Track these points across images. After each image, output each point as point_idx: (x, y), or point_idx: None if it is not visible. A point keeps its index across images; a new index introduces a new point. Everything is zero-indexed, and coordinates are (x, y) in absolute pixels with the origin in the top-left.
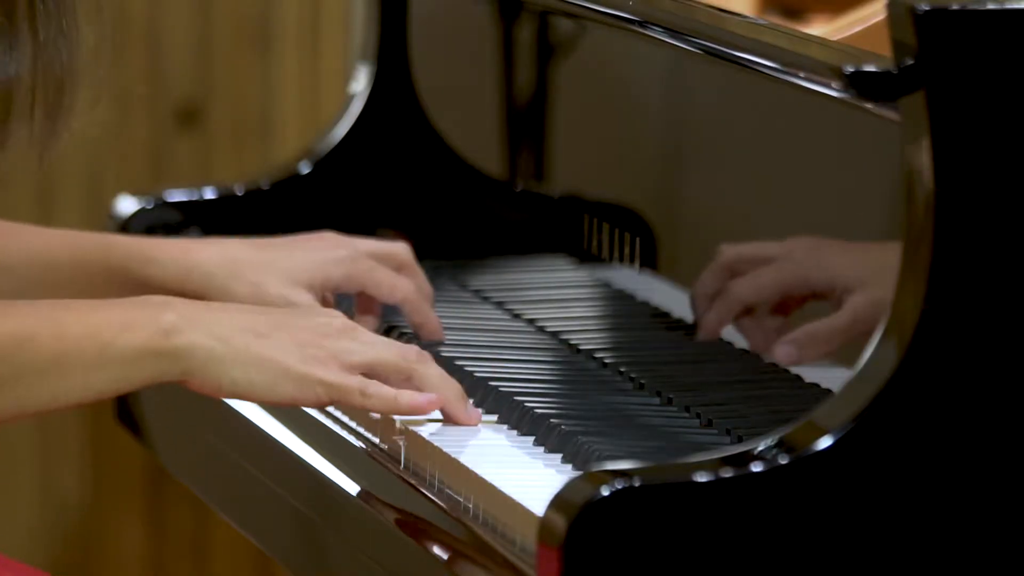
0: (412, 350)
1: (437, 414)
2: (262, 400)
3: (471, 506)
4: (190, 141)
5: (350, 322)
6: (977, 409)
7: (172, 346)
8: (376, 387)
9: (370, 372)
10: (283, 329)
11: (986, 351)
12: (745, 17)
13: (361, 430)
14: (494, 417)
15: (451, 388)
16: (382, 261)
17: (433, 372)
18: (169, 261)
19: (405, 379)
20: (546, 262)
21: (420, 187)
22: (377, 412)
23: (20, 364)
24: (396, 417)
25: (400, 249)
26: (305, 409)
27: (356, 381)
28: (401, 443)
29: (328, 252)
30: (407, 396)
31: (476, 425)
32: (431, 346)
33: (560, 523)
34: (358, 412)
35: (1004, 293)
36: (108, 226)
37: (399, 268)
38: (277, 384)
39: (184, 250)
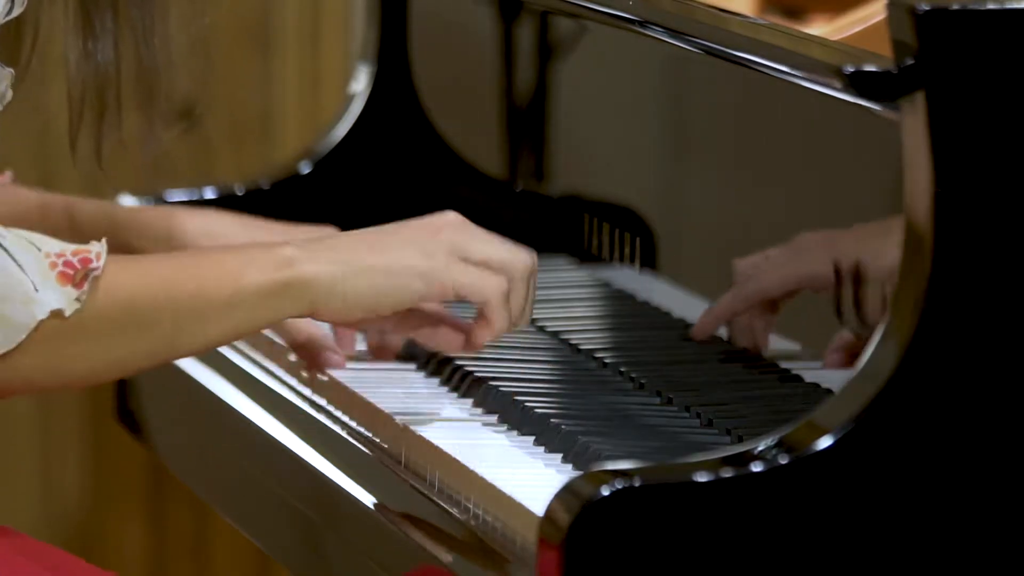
0: (523, 263)
1: (436, 412)
2: (393, 307)
3: (471, 506)
4: (190, 141)
5: (460, 217)
6: (977, 409)
7: (295, 276)
8: (479, 279)
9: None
10: (394, 234)
11: (986, 351)
12: (745, 17)
13: (361, 430)
14: (494, 417)
15: (508, 324)
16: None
17: (518, 300)
18: (146, 226)
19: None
20: (546, 262)
21: (420, 187)
22: (470, 298)
23: (163, 307)
24: (396, 417)
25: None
26: (305, 408)
27: (488, 279)
28: (401, 443)
29: None
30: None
31: (483, 340)
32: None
33: (560, 523)
34: (360, 411)
35: (1004, 293)
36: None
37: None
38: (403, 285)
39: (166, 215)
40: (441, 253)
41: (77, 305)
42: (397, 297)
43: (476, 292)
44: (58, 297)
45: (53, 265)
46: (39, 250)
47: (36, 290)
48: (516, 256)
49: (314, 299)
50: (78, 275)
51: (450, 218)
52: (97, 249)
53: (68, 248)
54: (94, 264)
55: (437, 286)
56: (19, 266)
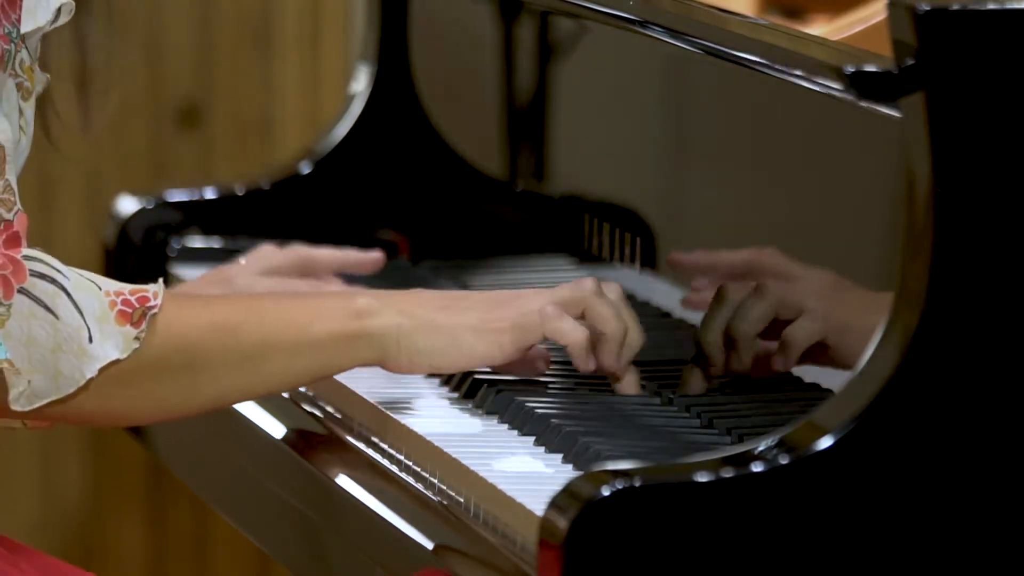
0: (589, 282)
1: (437, 413)
2: (453, 365)
3: (471, 506)
4: (190, 141)
5: (524, 290)
6: (977, 409)
7: (366, 328)
8: (558, 320)
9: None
10: (463, 299)
11: (986, 351)
12: (745, 17)
13: (362, 429)
14: (494, 417)
15: (616, 328)
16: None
17: (604, 310)
18: None
19: (580, 312)
20: (546, 262)
21: (420, 187)
22: (558, 340)
23: (225, 351)
24: (397, 417)
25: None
26: (304, 408)
27: (537, 315)
28: (402, 443)
29: None
30: (582, 346)
31: (622, 378)
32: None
33: (561, 523)
34: (360, 411)
35: (1004, 293)
36: (108, 226)
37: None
38: (463, 344)
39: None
40: (500, 317)
41: (136, 344)
42: (455, 356)
43: (558, 337)
44: (116, 342)
45: (112, 304)
46: (100, 289)
47: (91, 341)
48: (578, 285)
49: (382, 351)
50: (136, 313)
51: (513, 292)
52: (155, 288)
53: (127, 288)
54: (152, 303)
55: (496, 346)
56: (79, 310)
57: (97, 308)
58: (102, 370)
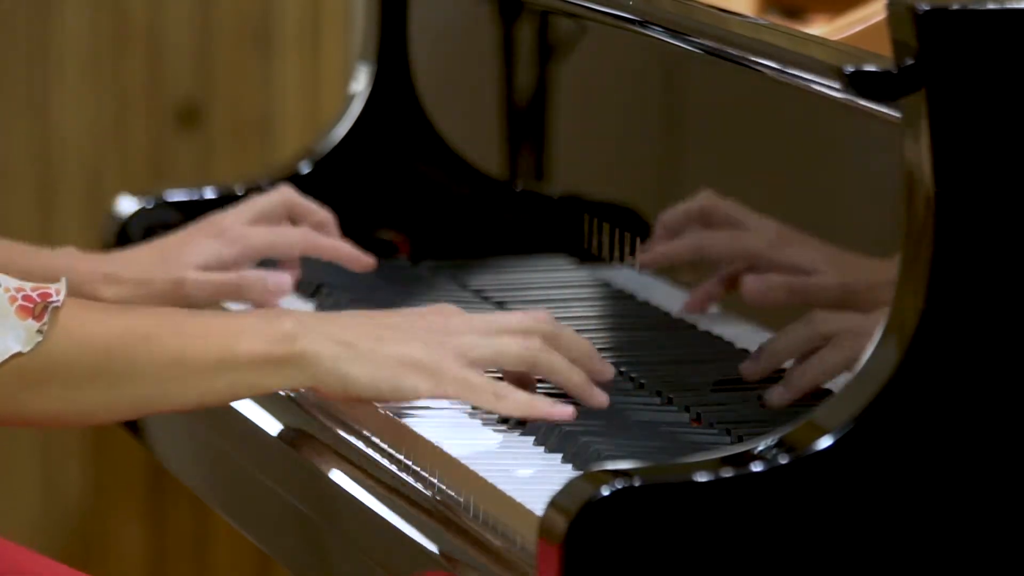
0: (535, 337)
1: (437, 413)
2: (393, 399)
3: (471, 506)
4: (190, 141)
5: (464, 314)
6: (977, 409)
7: (293, 352)
8: (509, 390)
9: (494, 367)
10: (401, 329)
11: (986, 351)
12: (745, 17)
13: (361, 430)
14: (494, 417)
15: (576, 374)
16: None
17: (556, 361)
18: (42, 269)
19: (529, 369)
20: (546, 262)
21: (420, 187)
22: (509, 415)
23: (139, 362)
24: (396, 417)
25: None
26: (305, 408)
27: (488, 383)
28: (401, 443)
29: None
30: (542, 405)
31: (605, 407)
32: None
33: (560, 523)
34: (360, 411)
35: (1004, 293)
36: (108, 226)
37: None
38: (406, 381)
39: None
40: (445, 356)
41: (39, 338)
42: (396, 392)
43: (469, 401)
44: (16, 335)
45: (12, 299)
46: None
47: None
48: (523, 344)
49: (314, 376)
50: (37, 308)
51: (454, 321)
52: (57, 286)
53: (28, 284)
54: (54, 298)
55: (441, 390)
56: None
57: None
58: (4, 365)
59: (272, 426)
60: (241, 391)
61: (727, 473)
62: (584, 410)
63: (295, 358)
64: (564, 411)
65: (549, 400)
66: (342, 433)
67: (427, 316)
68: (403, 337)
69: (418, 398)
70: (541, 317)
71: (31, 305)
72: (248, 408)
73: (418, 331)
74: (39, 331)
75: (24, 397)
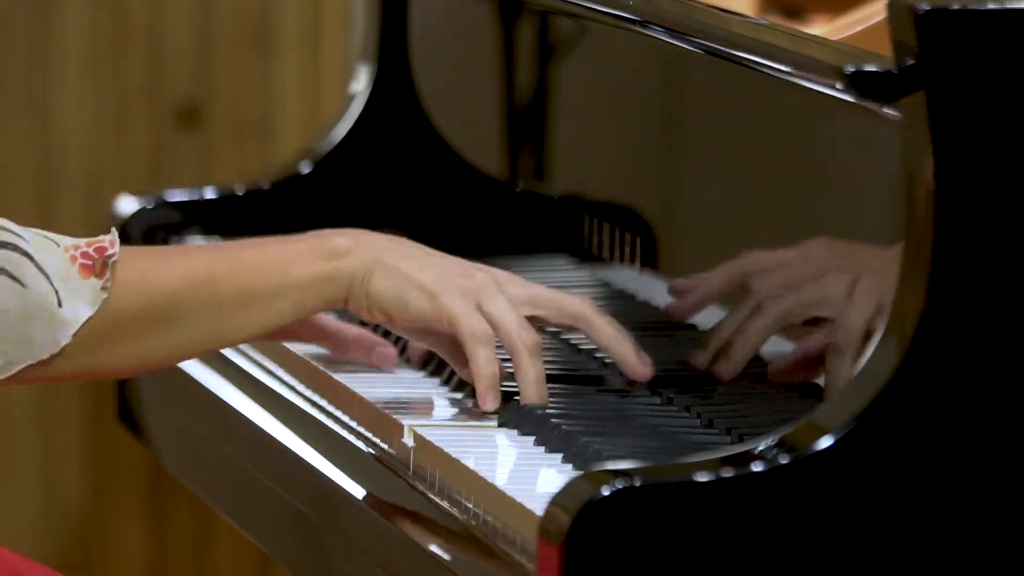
0: (532, 336)
1: (437, 413)
2: (400, 316)
3: (471, 506)
4: (190, 141)
5: (503, 274)
6: (977, 409)
7: (339, 268)
8: (491, 349)
9: (492, 325)
10: (431, 258)
11: (986, 351)
12: (745, 17)
13: (361, 429)
14: (494, 417)
15: (540, 395)
16: None
17: (530, 370)
18: None
19: (509, 354)
20: (546, 262)
21: (420, 187)
22: (473, 367)
23: (203, 301)
24: (396, 417)
25: None
26: (305, 408)
27: (479, 323)
28: (402, 443)
29: None
30: (495, 384)
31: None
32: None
33: (561, 523)
34: (360, 411)
35: (1004, 293)
36: (108, 226)
37: None
38: (409, 296)
39: None
40: (458, 292)
41: (104, 295)
42: (401, 309)
43: (460, 331)
44: (84, 297)
45: (73, 259)
46: (58, 246)
47: (60, 305)
48: (524, 330)
49: (348, 289)
50: (97, 264)
51: (489, 272)
52: (110, 237)
53: (82, 241)
54: (110, 251)
55: (439, 319)
56: (44, 273)
57: (60, 267)
58: (76, 334)
59: (272, 426)
60: (296, 312)
61: (727, 473)
62: (584, 410)
63: (338, 274)
64: (488, 401)
65: (497, 393)
66: (342, 433)
67: (473, 266)
68: (427, 264)
69: (419, 317)
70: (582, 299)
71: (90, 263)
72: (248, 408)
73: (446, 264)
74: (103, 288)
75: (98, 353)
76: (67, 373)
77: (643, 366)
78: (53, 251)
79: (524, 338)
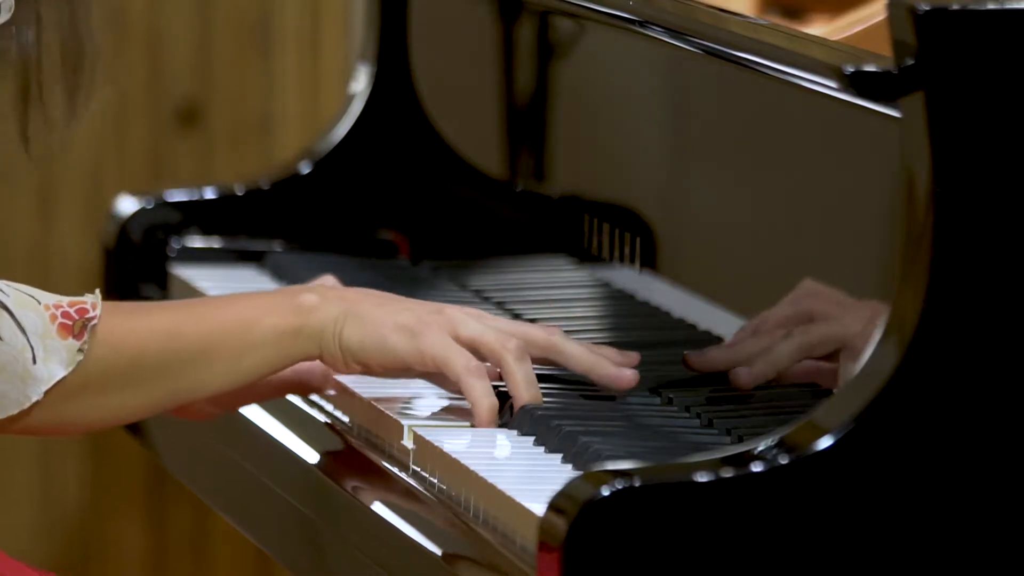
0: (513, 342)
1: (437, 414)
2: (377, 362)
3: (471, 506)
4: (190, 141)
5: (468, 309)
6: (977, 409)
7: (309, 322)
8: (482, 371)
9: (472, 348)
10: (403, 303)
11: (986, 351)
12: (745, 17)
13: (362, 430)
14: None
15: (533, 395)
16: None
17: (519, 373)
18: None
19: (496, 364)
20: (546, 262)
21: (420, 187)
22: (468, 392)
23: (169, 357)
24: (396, 418)
25: None
26: (305, 409)
27: (465, 355)
28: (402, 443)
29: None
30: (493, 405)
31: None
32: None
33: (560, 523)
34: (360, 411)
35: (1004, 293)
36: (108, 226)
37: None
38: (390, 340)
39: None
40: (431, 326)
41: (80, 356)
42: (378, 353)
43: (453, 370)
44: (60, 357)
45: (53, 318)
46: (39, 303)
47: (34, 362)
48: (500, 340)
49: (320, 344)
50: (76, 325)
51: (457, 307)
52: (92, 299)
53: (64, 299)
54: (91, 314)
55: (418, 356)
56: (21, 329)
57: (40, 324)
58: (47, 392)
59: (273, 427)
60: (263, 368)
61: (727, 473)
62: (584, 410)
63: (308, 328)
64: (483, 419)
65: (494, 405)
66: (342, 433)
67: (438, 304)
68: (398, 308)
69: (401, 360)
70: (549, 331)
71: (70, 323)
72: (248, 408)
73: (419, 306)
74: (80, 350)
75: (63, 409)
76: (31, 427)
77: (626, 376)
78: (32, 308)
79: (506, 344)
